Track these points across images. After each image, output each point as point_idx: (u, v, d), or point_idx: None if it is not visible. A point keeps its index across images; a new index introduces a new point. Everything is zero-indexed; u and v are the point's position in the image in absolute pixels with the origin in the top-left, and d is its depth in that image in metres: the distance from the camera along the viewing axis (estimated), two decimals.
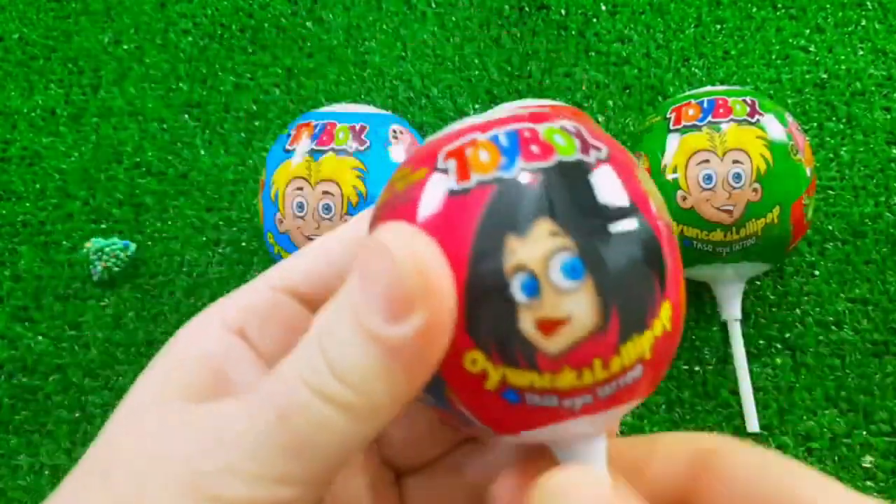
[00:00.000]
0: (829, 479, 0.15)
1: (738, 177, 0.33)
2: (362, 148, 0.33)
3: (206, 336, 0.18)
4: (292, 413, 0.14)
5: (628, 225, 0.15)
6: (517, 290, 0.14)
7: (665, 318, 0.15)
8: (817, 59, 0.44)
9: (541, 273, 0.14)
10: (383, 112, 0.36)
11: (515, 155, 0.15)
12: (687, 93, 0.36)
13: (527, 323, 0.14)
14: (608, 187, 0.15)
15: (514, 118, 0.16)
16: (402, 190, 0.16)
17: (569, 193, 0.15)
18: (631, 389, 0.15)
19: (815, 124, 0.42)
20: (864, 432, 0.36)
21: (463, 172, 0.15)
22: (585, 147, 0.16)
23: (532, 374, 0.14)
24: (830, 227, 0.40)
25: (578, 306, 0.14)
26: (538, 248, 0.14)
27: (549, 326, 0.14)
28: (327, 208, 0.33)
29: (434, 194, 0.15)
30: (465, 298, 0.14)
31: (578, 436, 0.16)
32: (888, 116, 0.42)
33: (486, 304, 0.14)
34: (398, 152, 0.34)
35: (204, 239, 0.42)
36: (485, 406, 0.15)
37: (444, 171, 0.15)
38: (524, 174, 0.15)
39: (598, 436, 0.16)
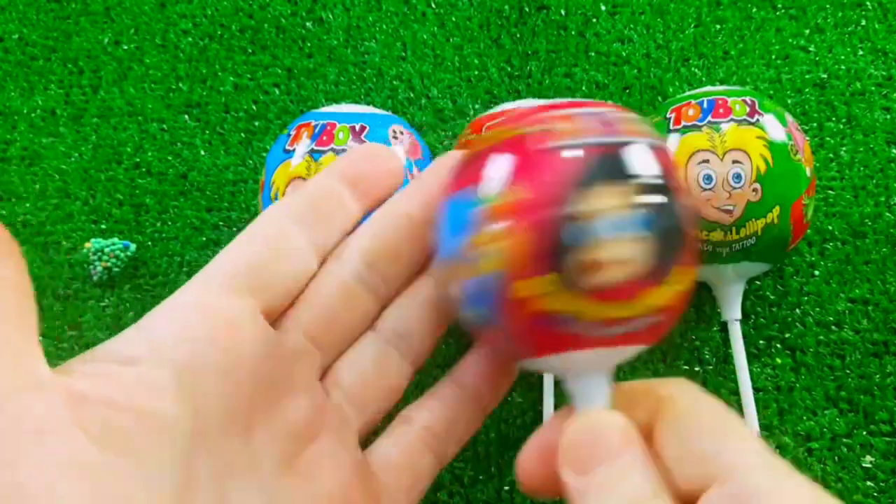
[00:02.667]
0: (759, 447, 0.17)
1: (737, 177, 0.33)
2: None
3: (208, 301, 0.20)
4: None
5: (674, 199, 0.19)
6: (594, 231, 0.18)
7: (686, 278, 0.19)
8: (817, 59, 0.44)
9: (613, 219, 0.18)
10: (383, 112, 0.36)
11: (602, 129, 0.19)
12: (687, 93, 0.36)
13: (595, 257, 0.18)
14: (664, 167, 0.19)
15: (591, 104, 0.21)
16: (503, 139, 0.20)
17: (638, 166, 0.19)
18: (649, 331, 0.19)
19: (815, 124, 0.42)
20: (864, 432, 0.36)
21: (558, 135, 0.19)
22: (650, 133, 0.20)
23: (583, 301, 0.18)
24: (830, 227, 0.40)
25: (633, 252, 0.18)
26: (614, 200, 0.18)
27: (609, 264, 0.18)
28: None
29: (527, 149, 0.19)
30: (553, 231, 0.18)
31: (592, 366, 0.19)
32: (888, 116, 0.42)
33: (569, 237, 0.18)
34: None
35: (204, 239, 0.42)
36: (532, 327, 0.19)
37: (542, 132, 0.19)
38: (607, 144, 0.19)
39: (607, 371, 0.20)
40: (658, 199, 0.19)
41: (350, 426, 0.22)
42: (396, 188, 0.23)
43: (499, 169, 0.19)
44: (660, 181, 0.19)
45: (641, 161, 0.19)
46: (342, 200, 0.22)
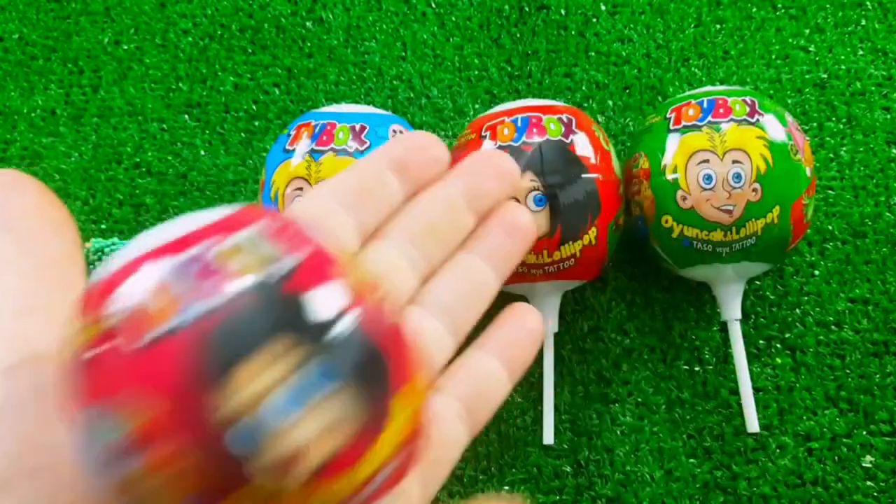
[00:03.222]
0: None
1: (738, 177, 0.33)
2: (362, 148, 0.33)
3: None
4: None
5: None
6: (262, 421, 0.14)
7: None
8: (817, 59, 0.44)
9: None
10: (383, 112, 0.36)
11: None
12: (687, 93, 0.36)
13: (282, 451, 0.14)
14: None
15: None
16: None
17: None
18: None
19: (815, 124, 0.42)
20: (864, 432, 0.36)
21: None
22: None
23: (302, 498, 0.15)
24: (830, 227, 0.40)
25: (331, 415, 0.14)
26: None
27: (307, 446, 0.14)
28: None
29: (130, 346, 0.14)
30: (213, 445, 0.14)
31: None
32: (888, 116, 0.42)
33: (237, 444, 0.14)
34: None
35: None
36: None
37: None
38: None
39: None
40: (336, 332, 0.14)
41: None
42: (442, 176, 0.23)
43: (107, 385, 0.14)
44: (329, 310, 0.15)
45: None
46: (389, 185, 0.22)
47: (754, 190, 0.32)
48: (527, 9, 0.46)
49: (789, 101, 0.43)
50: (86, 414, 0.14)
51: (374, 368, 0.15)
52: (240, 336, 0.14)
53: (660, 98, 0.44)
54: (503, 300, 0.23)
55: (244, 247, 0.15)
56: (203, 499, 0.14)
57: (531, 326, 0.23)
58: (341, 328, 0.15)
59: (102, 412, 0.14)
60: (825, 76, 0.43)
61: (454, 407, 0.22)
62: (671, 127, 0.34)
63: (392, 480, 0.16)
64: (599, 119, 0.43)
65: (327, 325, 0.15)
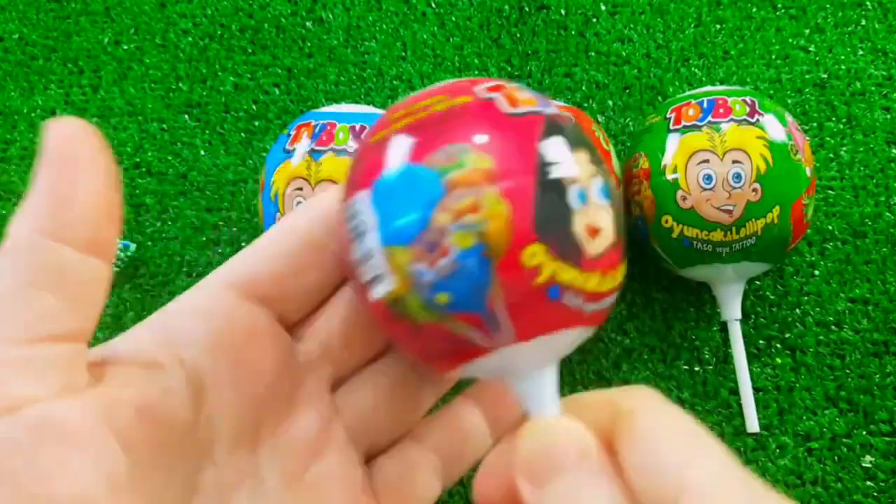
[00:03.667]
0: (729, 463, 0.16)
1: (737, 177, 0.33)
2: None
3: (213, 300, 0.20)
4: None
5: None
6: (574, 198, 0.17)
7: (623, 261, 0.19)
8: (817, 59, 0.44)
9: (588, 188, 0.17)
10: (383, 112, 0.36)
11: (546, 101, 0.19)
12: (687, 93, 0.36)
13: (579, 225, 0.17)
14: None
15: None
16: (444, 109, 0.18)
17: (586, 138, 0.19)
18: (606, 312, 0.19)
19: (815, 124, 0.42)
20: (864, 432, 0.36)
21: (513, 102, 0.18)
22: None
23: (575, 271, 0.17)
24: (830, 227, 0.40)
25: (607, 221, 0.17)
26: (586, 169, 0.18)
27: (593, 231, 0.17)
28: None
29: (489, 114, 0.18)
30: (534, 199, 0.17)
31: (563, 350, 0.18)
32: (888, 116, 0.42)
33: (552, 205, 0.17)
34: None
35: (204, 239, 0.42)
36: (525, 302, 0.17)
37: (492, 99, 0.18)
38: (558, 116, 0.18)
39: (554, 366, 0.19)
40: (604, 170, 0.18)
41: (359, 443, 0.21)
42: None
43: (458, 135, 0.17)
44: (599, 159, 0.18)
45: (586, 136, 0.19)
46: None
47: (754, 190, 0.32)
48: (527, 9, 0.46)
49: (789, 101, 0.43)
50: (410, 165, 0.17)
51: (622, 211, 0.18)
52: (571, 137, 0.18)
53: (660, 98, 0.44)
54: None
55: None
56: (507, 242, 0.16)
57: None
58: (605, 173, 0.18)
59: (440, 157, 0.17)
60: (825, 76, 0.43)
61: (431, 460, 0.21)
62: (671, 127, 0.34)
63: (604, 314, 0.18)
64: (599, 119, 0.43)
65: (602, 163, 0.18)
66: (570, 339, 0.18)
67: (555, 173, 0.17)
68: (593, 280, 0.17)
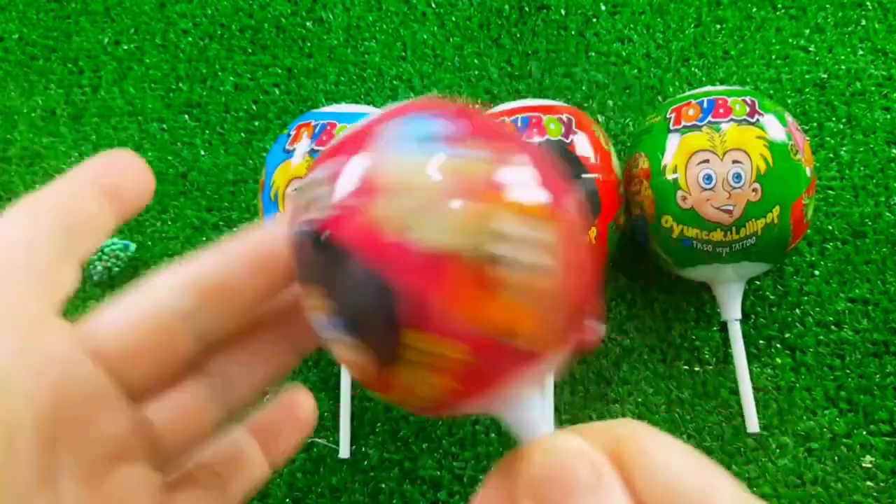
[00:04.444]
0: (742, 490, 0.16)
1: (738, 177, 0.33)
2: None
3: None
4: None
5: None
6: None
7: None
8: (817, 59, 0.44)
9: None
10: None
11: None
12: (687, 93, 0.36)
13: None
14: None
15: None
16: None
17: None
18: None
19: (815, 124, 0.42)
20: (864, 432, 0.36)
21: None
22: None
23: None
24: (830, 227, 0.40)
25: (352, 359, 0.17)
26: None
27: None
28: None
29: None
30: None
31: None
32: (888, 116, 0.42)
33: None
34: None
35: (204, 239, 0.42)
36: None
37: None
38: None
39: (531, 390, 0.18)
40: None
41: (160, 455, 0.21)
42: (147, 198, 0.21)
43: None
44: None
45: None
46: (100, 212, 0.20)
47: (754, 190, 0.32)
48: (527, 9, 0.46)
49: (789, 101, 0.43)
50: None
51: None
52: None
53: (660, 98, 0.44)
54: None
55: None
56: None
57: (303, 417, 0.22)
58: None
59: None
60: (825, 76, 0.43)
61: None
62: (671, 127, 0.34)
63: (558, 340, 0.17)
64: (599, 119, 0.43)
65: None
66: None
67: None
68: None
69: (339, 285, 0.16)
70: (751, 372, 0.36)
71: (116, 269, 0.40)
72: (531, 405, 0.17)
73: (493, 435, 0.37)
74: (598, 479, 0.15)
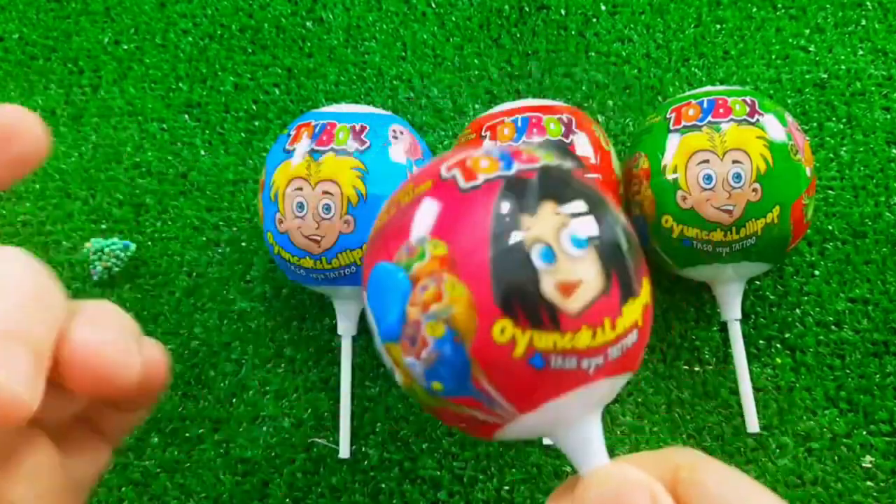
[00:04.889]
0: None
1: (738, 177, 0.33)
2: (362, 148, 0.33)
3: None
4: None
5: (607, 213, 0.18)
6: (537, 259, 0.16)
7: (646, 289, 0.18)
8: (817, 59, 0.44)
9: (554, 243, 0.16)
10: (383, 112, 0.36)
11: (511, 160, 0.18)
12: (687, 93, 0.36)
13: (548, 286, 0.16)
14: (584, 184, 0.18)
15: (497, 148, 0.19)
16: (409, 200, 0.18)
17: (561, 184, 0.17)
18: (630, 355, 0.17)
19: (815, 124, 0.42)
20: (864, 432, 0.36)
21: (469, 175, 0.18)
22: (567, 132, 0.20)
23: (555, 334, 0.16)
24: (830, 227, 0.40)
25: (588, 271, 0.16)
26: (548, 223, 0.16)
27: (567, 288, 0.16)
28: (327, 208, 0.33)
29: (447, 196, 0.17)
30: (490, 273, 0.16)
31: (584, 410, 0.17)
32: (888, 116, 0.42)
33: (511, 274, 0.16)
34: (398, 152, 0.34)
35: (204, 239, 0.42)
36: (513, 377, 0.17)
37: (451, 177, 0.18)
38: (521, 172, 0.17)
39: (598, 414, 0.18)
40: (590, 214, 0.17)
41: None
42: (40, 159, 0.20)
43: (416, 225, 0.17)
44: (585, 197, 0.18)
45: (563, 180, 0.18)
46: None
47: (754, 190, 0.32)
48: (527, 9, 0.46)
49: (789, 101, 0.43)
50: (382, 262, 0.18)
51: (619, 251, 0.17)
52: (530, 193, 0.17)
53: (660, 98, 0.44)
54: None
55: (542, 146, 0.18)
56: (474, 323, 0.16)
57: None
58: (599, 213, 0.18)
59: (403, 251, 0.17)
60: (825, 76, 0.43)
61: None
62: (671, 127, 0.34)
63: (628, 359, 0.17)
64: (599, 119, 0.43)
65: (592, 204, 0.18)
66: (599, 391, 0.17)
67: (512, 239, 0.16)
68: (583, 337, 0.16)
69: None
70: (751, 372, 0.36)
71: (116, 269, 0.40)
72: (587, 434, 0.18)
73: None
74: None
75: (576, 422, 0.18)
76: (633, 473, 0.16)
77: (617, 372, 0.17)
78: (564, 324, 0.16)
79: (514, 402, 0.17)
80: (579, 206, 0.17)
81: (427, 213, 0.17)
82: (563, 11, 0.46)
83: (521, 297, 0.16)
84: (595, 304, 0.17)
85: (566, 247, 0.16)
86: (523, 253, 0.16)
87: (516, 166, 0.18)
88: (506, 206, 0.17)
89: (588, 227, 0.17)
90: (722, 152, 0.33)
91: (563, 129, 0.34)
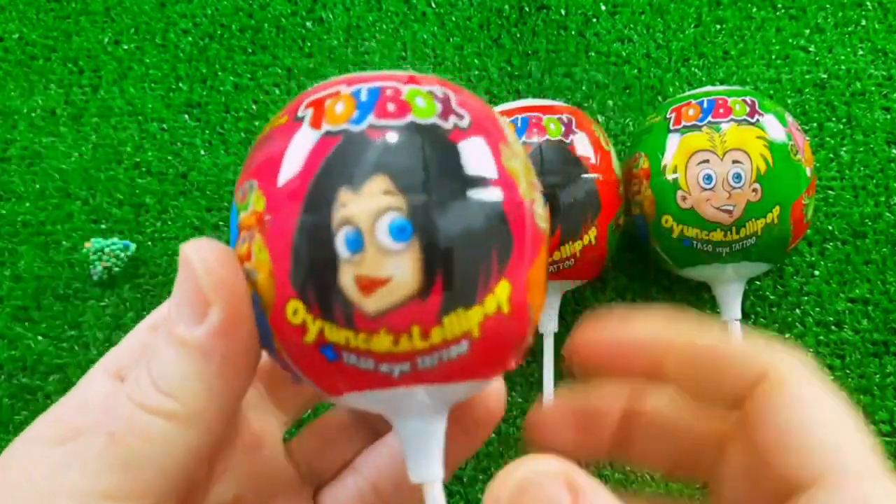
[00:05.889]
0: (877, 454, 0.15)
1: (737, 177, 0.33)
2: None
3: (88, 385, 0.19)
4: (119, 430, 0.15)
5: (472, 195, 0.14)
6: (341, 244, 0.14)
7: (502, 297, 0.14)
8: (817, 59, 0.44)
9: (367, 230, 0.14)
10: None
11: (369, 110, 0.15)
12: (687, 93, 0.36)
13: (347, 278, 0.14)
14: (459, 155, 0.15)
15: (390, 76, 0.16)
16: (265, 134, 0.16)
17: (414, 155, 0.14)
18: (457, 366, 0.15)
19: (815, 124, 0.42)
20: None
21: (316, 121, 0.15)
22: (446, 113, 0.15)
23: (348, 331, 0.14)
24: (830, 227, 0.40)
25: (400, 269, 0.14)
26: (368, 204, 0.14)
27: (368, 285, 0.14)
28: None
29: (290, 141, 0.15)
30: (291, 247, 0.14)
31: (409, 408, 0.15)
32: (888, 116, 0.42)
33: (309, 255, 0.14)
34: None
35: None
36: (306, 360, 0.15)
37: (301, 119, 0.15)
38: (371, 129, 0.14)
39: (435, 416, 0.16)
40: (450, 194, 0.14)
41: (307, 489, 0.21)
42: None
43: (255, 166, 0.16)
44: (455, 171, 0.14)
45: (426, 147, 0.14)
46: None
47: (754, 190, 0.33)
48: (527, 9, 0.46)
49: (789, 101, 0.43)
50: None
51: (485, 246, 0.14)
52: (391, 157, 0.14)
53: (660, 98, 0.44)
54: None
55: (433, 94, 0.15)
56: (272, 295, 0.14)
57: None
58: (477, 196, 0.15)
59: (243, 191, 0.16)
60: (825, 76, 0.43)
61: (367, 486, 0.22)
62: (671, 127, 0.34)
63: (455, 368, 0.15)
64: (599, 119, 0.43)
65: (465, 184, 0.14)
66: (416, 397, 0.15)
67: (321, 215, 0.14)
68: (381, 341, 0.14)
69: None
70: None
71: (116, 269, 0.40)
72: (426, 437, 0.16)
73: (493, 435, 0.37)
74: (574, 494, 0.14)
75: (408, 416, 0.16)
76: (542, 464, 0.14)
77: (439, 380, 0.15)
78: (359, 323, 0.14)
79: (315, 383, 0.15)
80: (422, 188, 0.14)
81: (265, 157, 0.15)
82: (563, 11, 0.46)
83: (316, 284, 0.14)
84: (401, 309, 0.14)
85: (380, 236, 0.14)
86: (329, 234, 0.14)
87: (369, 120, 0.14)
88: (329, 172, 0.14)
89: (422, 216, 0.14)
90: (722, 152, 0.33)
91: (563, 129, 0.34)
